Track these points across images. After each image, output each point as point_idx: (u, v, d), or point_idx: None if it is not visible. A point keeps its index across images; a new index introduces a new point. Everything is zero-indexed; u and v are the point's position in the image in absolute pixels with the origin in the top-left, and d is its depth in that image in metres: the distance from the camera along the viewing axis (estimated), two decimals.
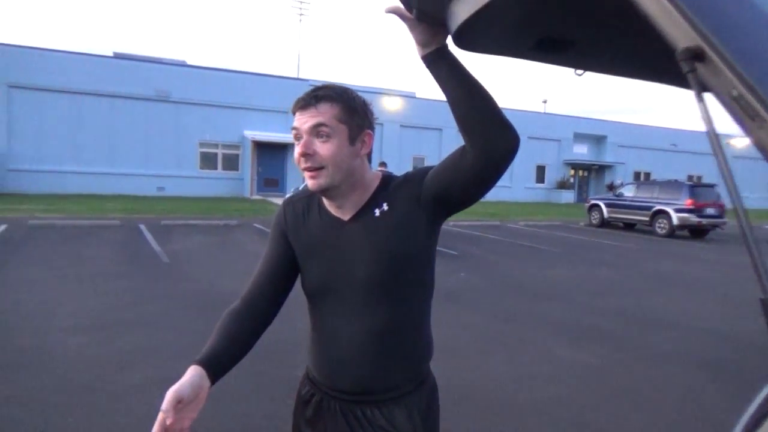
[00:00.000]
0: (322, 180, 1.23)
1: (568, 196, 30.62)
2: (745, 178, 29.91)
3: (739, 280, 9.31)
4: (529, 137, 28.01)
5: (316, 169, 1.22)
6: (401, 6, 1.05)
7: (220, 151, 22.62)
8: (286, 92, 22.08)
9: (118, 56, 22.35)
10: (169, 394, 1.05)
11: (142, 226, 11.91)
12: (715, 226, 15.84)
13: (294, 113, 1.25)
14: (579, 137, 31.80)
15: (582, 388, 4.05)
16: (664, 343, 5.27)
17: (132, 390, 3.56)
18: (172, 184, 21.35)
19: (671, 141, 34.04)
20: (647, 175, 32.61)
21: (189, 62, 23.91)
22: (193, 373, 1.13)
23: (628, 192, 17.33)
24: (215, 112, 22.07)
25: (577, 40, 0.87)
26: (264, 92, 22.66)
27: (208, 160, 22.48)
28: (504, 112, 1.08)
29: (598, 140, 32.79)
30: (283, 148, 22.92)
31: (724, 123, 0.60)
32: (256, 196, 22.00)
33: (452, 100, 1.09)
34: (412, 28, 1.08)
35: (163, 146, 21.27)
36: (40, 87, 19.12)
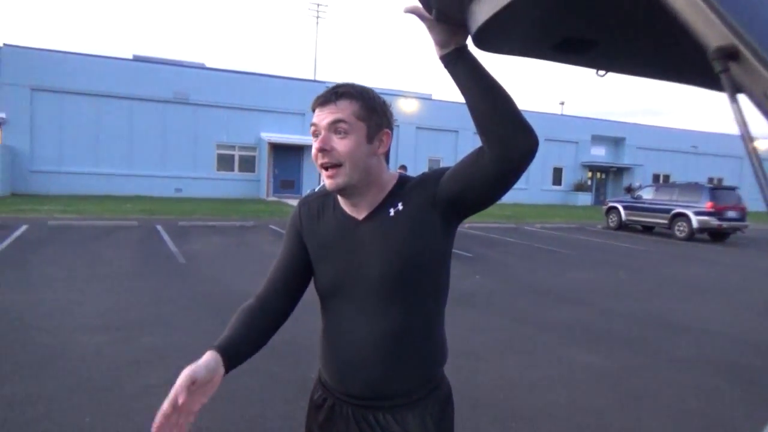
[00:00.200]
0: (340, 179, 1.22)
1: (585, 199, 30.26)
2: None
3: (761, 285, 9.14)
4: (546, 139, 27.78)
5: (334, 166, 1.22)
6: (420, 6, 1.04)
7: (236, 153, 22.77)
8: (303, 94, 22.22)
9: (137, 59, 22.66)
10: (184, 374, 1.06)
11: (160, 227, 12.03)
12: (736, 229, 15.56)
13: (314, 110, 1.25)
14: (597, 139, 31.43)
15: (599, 393, 3.99)
16: (683, 348, 5.18)
17: (149, 390, 3.58)
18: (189, 186, 21.56)
19: (691, 143, 33.45)
20: (666, 177, 32.16)
21: (208, 65, 24.13)
22: (209, 357, 1.13)
23: (647, 194, 17.06)
24: (232, 114, 22.23)
25: (600, 40, 0.85)
26: (281, 94, 22.77)
27: (225, 162, 22.65)
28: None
29: (616, 142, 32.38)
30: (300, 150, 23.03)
31: (755, 124, 0.58)
32: (272, 198, 22.11)
33: (471, 101, 1.07)
34: (431, 28, 1.07)
35: (180, 148, 21.49)
36: (61, 90, 19.42)
